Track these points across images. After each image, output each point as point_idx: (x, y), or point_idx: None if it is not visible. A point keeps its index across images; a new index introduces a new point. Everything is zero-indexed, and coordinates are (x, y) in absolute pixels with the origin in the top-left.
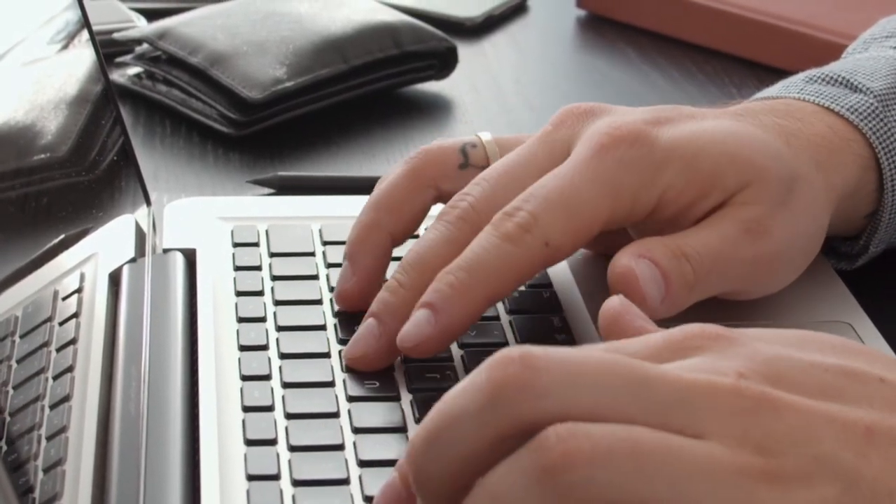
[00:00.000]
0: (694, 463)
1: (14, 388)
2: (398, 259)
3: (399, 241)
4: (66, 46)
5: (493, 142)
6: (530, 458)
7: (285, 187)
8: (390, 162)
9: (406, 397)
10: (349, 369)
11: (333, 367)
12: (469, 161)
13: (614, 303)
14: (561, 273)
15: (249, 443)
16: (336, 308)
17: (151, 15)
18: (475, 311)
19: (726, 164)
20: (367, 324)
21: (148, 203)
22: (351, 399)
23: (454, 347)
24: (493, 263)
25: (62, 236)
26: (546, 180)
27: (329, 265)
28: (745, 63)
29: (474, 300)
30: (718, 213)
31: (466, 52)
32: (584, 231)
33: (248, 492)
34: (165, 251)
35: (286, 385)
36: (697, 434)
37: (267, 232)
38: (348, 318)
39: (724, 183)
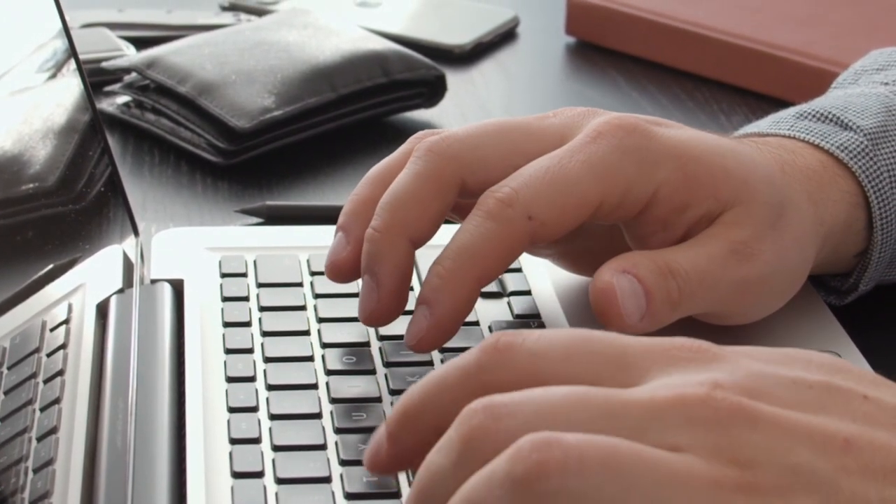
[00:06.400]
0: (670, 472)
1: (1, 419)
2: None
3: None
4: (53, 76)
5: None
6: (505, 468)
7: (273, 217)
8: None
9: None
10: (335, 401)
11: (321, 398)
12: None
13: None
14: (549, 304)
15: (237, 475)
16: (328, 279)
17: (140, 44)
18: (467, 295)
19: (722, 176)
20: (364, 281)
21: (136, 233)
22: (338, 431)
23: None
24: (477, 244)
25: (50, 267)
26: (535, 161)
27: (317, 296)
28: (735, 90)
29: (464, 285)
30: (707, 231)
31: (455, 79)
32: (571, 208)
33: None
34: (153, 282)
35: (273, 417)
36: (672, 448)
37: (255, 262)
38: (337, 349)
39: (718, 193)
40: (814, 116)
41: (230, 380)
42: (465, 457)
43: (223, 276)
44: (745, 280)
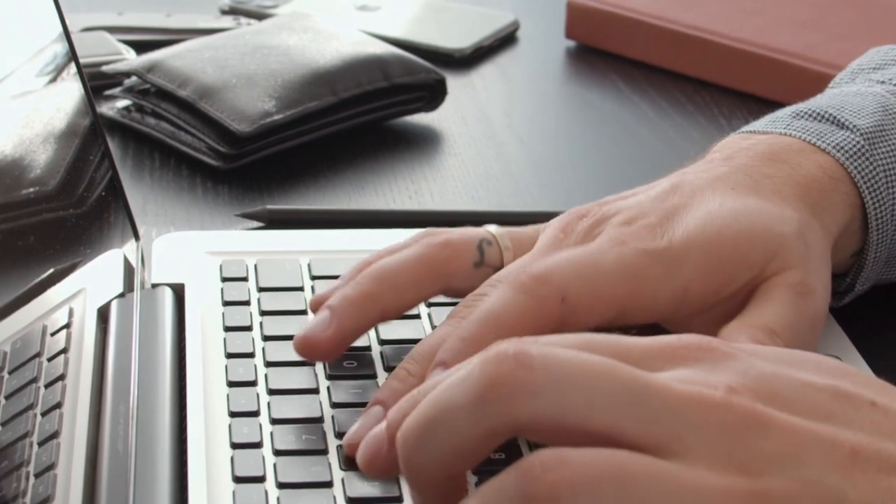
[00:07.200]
0: (679, 485)
1: (2, 424)
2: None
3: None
4: (53, 80)
5: (505, 236)
6: (516, 486)
7: (274, 221)
8: (379, 194)
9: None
10: (336, 405)
11: (322, 403)
12: (484, 260)
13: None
14: None
15: (238, 480)
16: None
17: (140, 47)
18: None
19: (745, 243)
20: (374, 412)
21: (136, 237)
22: (340, 435)
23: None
24: (508, 315)
25: (51, 271)
26: (565, 251)
27: None
28: (735, 94)
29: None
30: (765, 286)
31: (455, 83)
32: (602, 301)
33: None
34: (154, 286)
35: (274, 421)
36: (685, 448)
37: (255, 266)
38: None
39: (750, 260)
40: (810, 115)
41: (231, 384)
42: (485, 401)
43: (224, 280)
44: (816, 315)
